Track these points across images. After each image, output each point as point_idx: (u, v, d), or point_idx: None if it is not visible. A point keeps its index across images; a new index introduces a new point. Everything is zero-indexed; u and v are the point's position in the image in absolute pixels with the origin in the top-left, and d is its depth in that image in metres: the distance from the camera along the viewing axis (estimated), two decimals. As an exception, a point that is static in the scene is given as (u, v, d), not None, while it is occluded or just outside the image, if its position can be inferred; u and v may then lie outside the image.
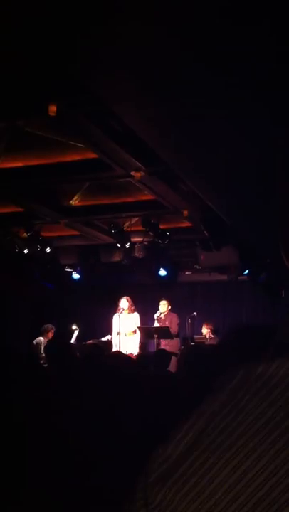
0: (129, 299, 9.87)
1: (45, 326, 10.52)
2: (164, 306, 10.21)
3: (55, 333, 10.44)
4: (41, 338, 10.24)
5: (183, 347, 9.86)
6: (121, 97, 4.03)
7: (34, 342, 10.24)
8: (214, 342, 9.56)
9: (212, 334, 10.63)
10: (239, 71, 3.27)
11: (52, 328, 10.46)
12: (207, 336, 10.60)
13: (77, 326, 10.94)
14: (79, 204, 7.93)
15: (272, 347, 0.51)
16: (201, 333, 10.84)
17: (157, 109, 4.24)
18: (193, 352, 4.05)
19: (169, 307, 10.26)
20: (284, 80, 2.85)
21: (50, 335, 10.36)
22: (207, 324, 10.85)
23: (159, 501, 0.46)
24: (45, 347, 9.89)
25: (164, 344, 9.55)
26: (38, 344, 10.10)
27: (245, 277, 10.81)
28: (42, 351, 9.80)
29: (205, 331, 10.78)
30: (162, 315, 10.16)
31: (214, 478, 0.44)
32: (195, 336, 10.67)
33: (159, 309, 10.24)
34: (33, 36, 3.47)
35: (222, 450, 0.45)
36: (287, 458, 0.43)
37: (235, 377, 0.49)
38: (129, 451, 1.98)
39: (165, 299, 10.24)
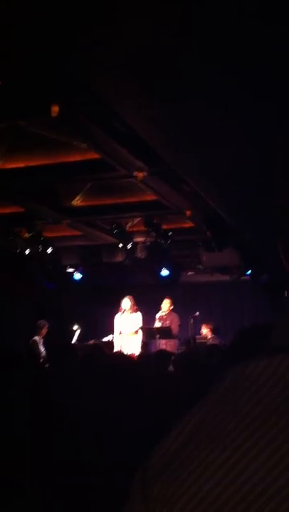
0: (131, 299, 9.87)
1: (38, 322, 10.29)
2: (166, 305, 10.22)
3: (49, 328, 10.25)
4: (36, 338, 10.08)
5: (184, 347, 9.89)
6: (121, 97, 4.03)
7: (30, 342, 10.13)
8: (215, 342, 9.58)
9: (212, 334, 10.66)
10: (240, 71, 3.27)
11: (45, 325, 10.25)
12: (208, 336, 10.62)
13: (79, 326, 10.94)
14: (81, 204, 7.93)
15: (266, 347, 0.52)
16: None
17: (158, 109, 4.24)
18: (195, 352, 4.06)
19: (172, 307, 10.28)
20: (284, 80, 2.85)
21: (44, 331, 10.16)
22: (206, 324, 10.88)
23: (156, 494, 0.48)
24: (44, 345, 9.87)
25: (163, 343, 9.56)
26: (33, 343, 9.99)
27: (248, 278, 10.81)
28: (42, 350, 9.76)
29: (205, 331, 10.80)
30: (164, 314, 10.18)
31: (206, 470, 0.46)
32: (197, 336, 10.70)
33: (161, 308, 10.25)
34: (33, 36, 3.47)
35: (215, 445, 0.47)
36: (273, 452, 0.44)
37: (228, 377, 0.51)
38: (129, 450, 1.98)
39: (168, 298, 10.26)
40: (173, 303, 10.32)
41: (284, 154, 0.57)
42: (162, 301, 10.30)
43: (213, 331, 10.75)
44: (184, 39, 3.10)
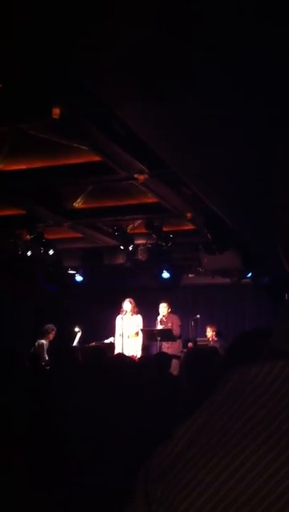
0: (132, 301, 9.87)
1: (46, 326, 10.16)
2: (164, 309, 10.21)
3: (56, 334, 10.14)
4: (43, 341, 10.04)
5: (185, 349, 9.89)
6: (122, 99, 4.04)
7: (36, 344, 10.06)
8: (217, 344, 9.58)
9: (215, 337, 10.67)
10: (240, 72, 3.28)
11: (53, 330, 10.13)
12: (211, 339, 10.63)
13: (80, 328, 10.92)
14: (82, 206, 7.95)
15: (266, 351, 0.52)
16: (205, 336, 10.87)
17: (158, 111, 4.25)
18: (195, 355, 4.06)
19: (169, 309, 10.27)
20: (283, 81, 2.85)
21: (52, 336, 10.04)
22: (211, 326, 10.89)
23: (159, 496, 0.48)
24: (47, 350, 9.83)
25: (166, 347, 9.55)
26: (40, 346, 9.96)
27: (248, 280, 10.81)
28: (45, 354, 9.72)
29: (209, 333, 10.81)
30: (164, 317, 10.18)
31: (209, 473, 0.46)
32: (198, 339, 10.70)
33: (160, 312, 10.25)
34: (34, 38, 3.48)
35: (218, 448, 0.47)
36: (276, 456, 0.44)
37: (231, 380, 0.51)
38: (130, 452, 1.98)
39: (164, 302, 10.24)
40: (170, 305, 10.30)
41: (282, 154, 0.57)
42: (159, 306, 10.27)
43: (217, 333, 10.77)
44: (184, 40, 3.11)
